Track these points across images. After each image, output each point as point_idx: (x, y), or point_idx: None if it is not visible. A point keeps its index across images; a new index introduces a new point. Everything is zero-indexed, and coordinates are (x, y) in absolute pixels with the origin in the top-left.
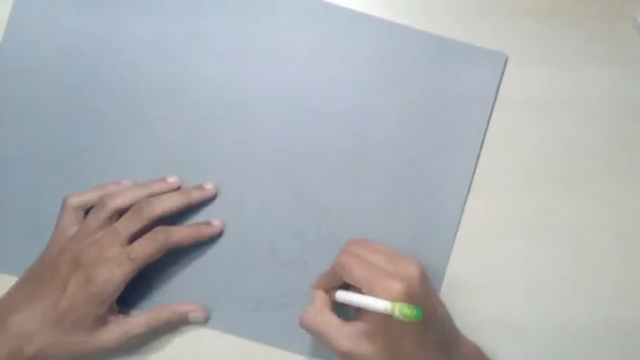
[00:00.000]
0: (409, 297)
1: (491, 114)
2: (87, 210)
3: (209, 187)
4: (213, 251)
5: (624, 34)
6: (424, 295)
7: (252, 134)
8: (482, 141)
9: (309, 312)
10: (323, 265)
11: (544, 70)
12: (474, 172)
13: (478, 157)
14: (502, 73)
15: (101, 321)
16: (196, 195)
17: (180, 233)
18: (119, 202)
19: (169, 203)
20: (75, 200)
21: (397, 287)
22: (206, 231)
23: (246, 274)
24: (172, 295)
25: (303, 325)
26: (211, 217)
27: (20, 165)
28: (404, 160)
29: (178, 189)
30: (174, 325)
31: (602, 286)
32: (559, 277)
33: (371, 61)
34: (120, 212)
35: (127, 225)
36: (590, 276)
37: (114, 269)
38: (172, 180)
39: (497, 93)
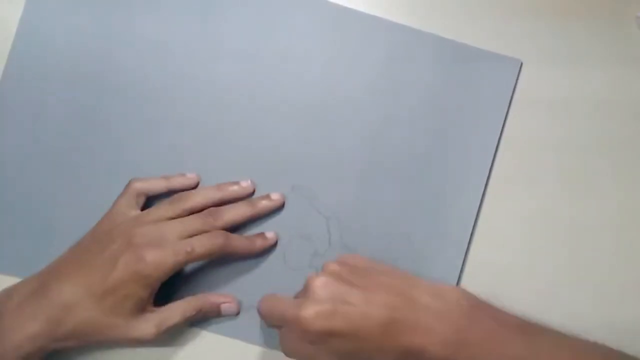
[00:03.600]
0: (324, 317)
1: (506, 118)
2: (147, 198)
3: (276, 197)
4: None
5: (627, 33)
6: (338, 298)
7: (262, 136)
8: (497, 147)
9: (285, 347)
10: None
11: (545, 70)
12: (488, 176)
13: (493, 162)
14: (517, 79)
15: (140, 307)
16: (263, 206)
17: (238, 242)
18: (196, 202)
19: (238, 215)
20: (140, 185)
21: (308, 314)
22: (260, 244)
23: (256, 280)
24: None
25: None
26: None
27: (26, 165)
28: (418, 165)
29: (251, 193)
30: (207, 316)
31: (605, 287)
32: (566, 276)
33: (386, 65)
34: (191, 212)
35: (194, 225)
36: (593, 277)
37: (167, 256)
38: (245, 184)
39: (511, 99)
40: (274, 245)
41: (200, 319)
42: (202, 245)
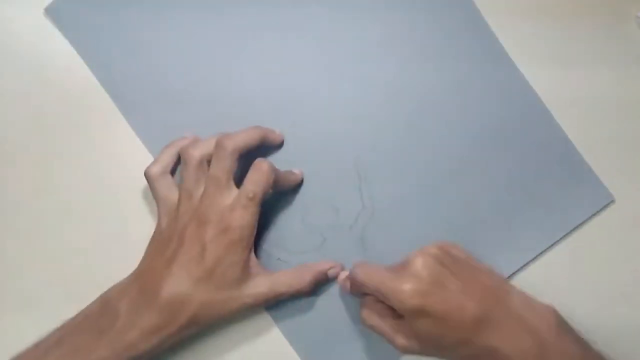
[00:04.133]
0: (422, 294)
1: (565, 235)
2: (172, 172)
3: (278, 132)
4: None
5: (627, 33)
6: (438, 281)
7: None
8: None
9: (367, 316)
10: (337, 252)
11: (546, 69)
12: None
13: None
14: (597, 213)
15: (246, 271)
16: (269, 134)
17: (280, 172)
18: (202, 149)
19: (246, 134)
20: (155, 168)
21: (407, 288)
22: (299, 175)
23: (270, 229)
24: None
25: (366, 326)
26: None
27: None
28: (470, 220)
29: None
30: (316, 285)
31: (605, 288)
32: (561, 277)
33: (495, 114)
34: (207, 160)
35: (220, 166)
36: (591, 277)
37: (242, 214)
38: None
39: (581, 224)
40: (300, 183)
41: (310, 290)
42: (256, 184)
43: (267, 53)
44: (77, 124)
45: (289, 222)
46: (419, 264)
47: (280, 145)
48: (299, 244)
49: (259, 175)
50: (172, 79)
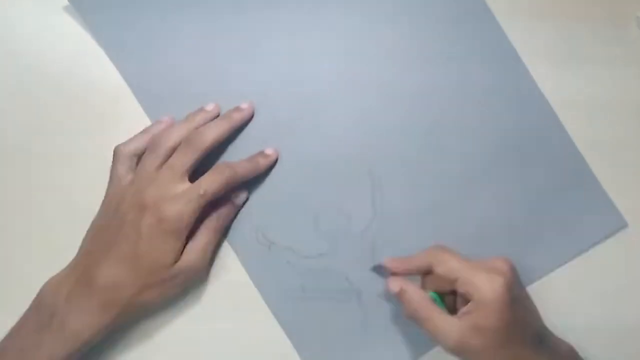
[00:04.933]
0: (510, 290)
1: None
2: (139, 157)
3: (245, 106)
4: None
5: (627, 33)
6: (520, 288)
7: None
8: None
9: (413, 304)
10: (347, 259)
11: (545, 70)
12: None
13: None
14: (609, 236)
15: (178, 255)
16: (237, 117)
17: (244, 167)
18: (172, 140)
19: (215, 131)
20: (127, 148)
21: (499, 279)
22: (263, 163)
23: (282, 232)
24: None
25: (410, 316)
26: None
27: None
28: (480, 229)
29: (218, 114)
30: (232, 215)
31: (605, 288)
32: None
33: (509, 125)
34: (174, 150)
35: (182, 159)
36: (592, 277)
37: (184, 205)
38: (211, 107)
39: (592, 246)
40: (274, 162)
41: (230, 221)
42: (212, 183)
43: (286, 59)
44: (80, 124)
45: (300, 227)
46: (509, 276)
47: (251, 118)
48: (309, 249)
49: (218, 177)
50: (193, 77)
